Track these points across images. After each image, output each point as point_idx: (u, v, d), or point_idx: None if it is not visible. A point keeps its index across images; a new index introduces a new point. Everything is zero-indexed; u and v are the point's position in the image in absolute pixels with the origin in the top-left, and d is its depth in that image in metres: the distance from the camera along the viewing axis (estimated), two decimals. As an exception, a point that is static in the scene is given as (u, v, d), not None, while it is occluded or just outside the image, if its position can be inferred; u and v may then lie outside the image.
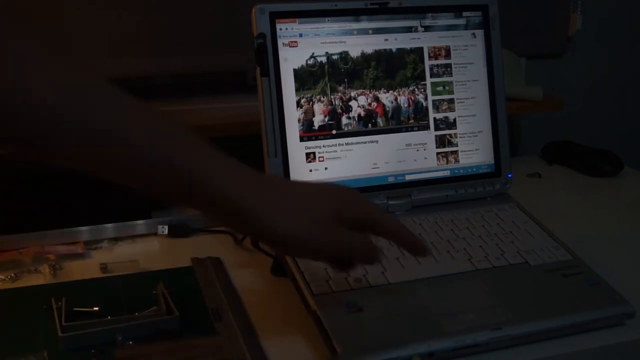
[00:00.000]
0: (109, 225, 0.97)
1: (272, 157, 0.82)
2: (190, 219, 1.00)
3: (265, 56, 0.82)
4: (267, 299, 0.80)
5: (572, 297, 0.75)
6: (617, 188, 1.19)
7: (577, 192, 1.17)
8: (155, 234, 0.98)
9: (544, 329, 0.70)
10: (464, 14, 0.92)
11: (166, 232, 0.97)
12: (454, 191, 0.91)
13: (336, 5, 0.86)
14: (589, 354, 0.71)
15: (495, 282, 0.76)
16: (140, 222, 0.98)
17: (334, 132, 0.87)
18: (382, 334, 0.68)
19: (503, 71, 0.92)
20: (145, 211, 1.01)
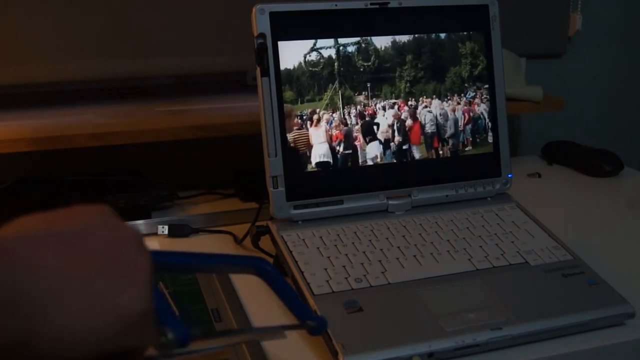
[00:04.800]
0: (109, 225, 0.96)
1: (272, 157, 0.82)
2: (190, 219, 1.01)
3: (266, 56, 0.82)
4: (267, 299, 0.80)
5: (572, 297, 0.75)
6: (617, 188, 1.19)
7: (577, 192, 1.17)
8: (156, 234, 0.98)
9: (544, 329, 0.70)
10: (464, 14, 0.92)
11: (166, 232, 0.97)
12: (454, 191, 0.90)
13: (336, 5, 0.86)
14: (589, 354, 0.71)
15: (495, 282, 0.76)
16: (140, 222, 0.98)
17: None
18: (382, 334, 0.68)
19: (503, 71, 0.92)
20: (145, 211, 1.01)
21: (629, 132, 1.54)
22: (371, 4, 0.87)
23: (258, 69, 0.82)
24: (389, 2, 0.88)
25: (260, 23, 0.82)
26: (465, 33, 0.91)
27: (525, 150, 1.45)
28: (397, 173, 0.88)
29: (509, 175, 0.93)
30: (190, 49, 1.13)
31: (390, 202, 0.88)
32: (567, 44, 1.43)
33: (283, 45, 0.83)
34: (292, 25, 0.84)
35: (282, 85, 0.82)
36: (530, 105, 1.27)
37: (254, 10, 0.82)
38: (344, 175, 0.85)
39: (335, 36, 0.85)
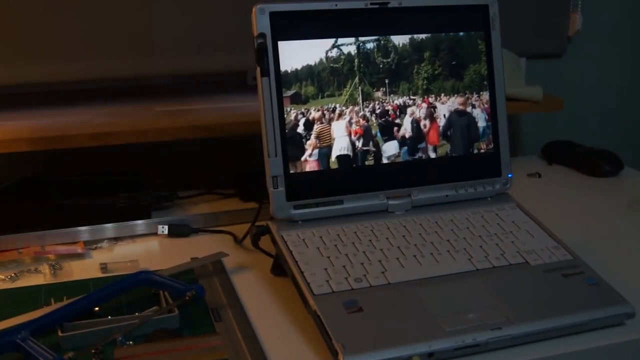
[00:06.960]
0: (109, 225, 0.97)
1: (272, 157, 0.82)
2: (190, 219, 1.01)
3: (266, 56, 0.82)
4: (267, 298, 0.81)
5: (572, 297, 0.75)
6: (617, 188, 1.19)
7: (577, 192, 1.17)
8: (155, 234, 0.98)
9: (543, 328, 0.70)
10: (464, 13, 0.92)
11: (166, 232, 0.97)
12: (454, 191, 0.91)
13: (336, 5, 0.86)
14: (589, 354, 0.71)
15: (495, 282, 0.76)
16: (140, 222, 0.98)
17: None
18: (382, 333, 0.68)
19: (503, 71, 0.92)
20: (145, 211, 1.01)
21: (629, 132, 1.54)
22: (371, 3, 0.87)
23: (258, 69, 0.83)
24: (388, 2, 0.87)
25: (260, 23, 0.82)
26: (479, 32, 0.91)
27: (525, 150, 1.45)
28: (397, 173, 0.88)
29: (509, 175, 0.93)
30: (190, 49, 1.13)
31: (390, 202, 0.88)
32: (567, 43, 1.43)
33: (283, 45, 0.83)
34: (292, 25, 0.84)
35: (283, 84, 0.82)
36: (530, 105, 1.27)
37: (254, 10, 0.83)
38: (344, 175, 0.85)
39: (335, 36, 0.85)
